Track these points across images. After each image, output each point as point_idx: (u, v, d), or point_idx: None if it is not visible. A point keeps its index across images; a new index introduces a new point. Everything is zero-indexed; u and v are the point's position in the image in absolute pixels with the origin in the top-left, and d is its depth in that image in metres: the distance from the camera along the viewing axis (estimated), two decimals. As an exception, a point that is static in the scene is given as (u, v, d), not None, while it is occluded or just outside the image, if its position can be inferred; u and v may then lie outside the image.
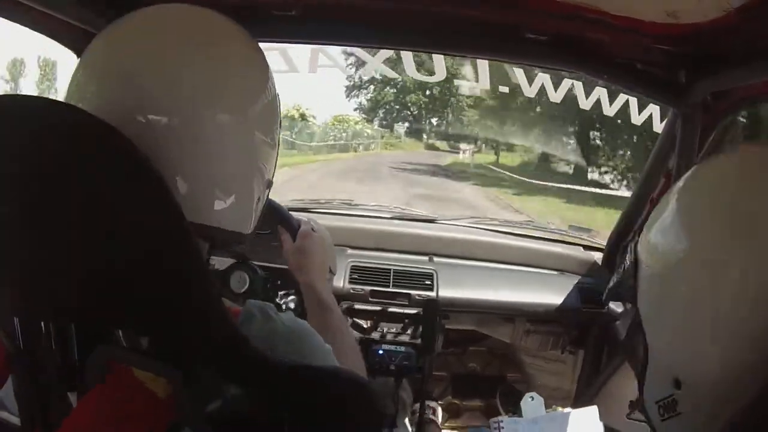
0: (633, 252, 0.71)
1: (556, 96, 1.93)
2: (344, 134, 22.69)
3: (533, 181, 15.60)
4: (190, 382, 0.59)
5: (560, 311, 1.75)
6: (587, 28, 1.23)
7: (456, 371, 2.09)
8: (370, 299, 1.70)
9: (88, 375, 0.62)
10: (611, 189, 14.83)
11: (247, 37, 0.73)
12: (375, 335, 1.70)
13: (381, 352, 1.64)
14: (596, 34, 1.26)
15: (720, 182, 0.66)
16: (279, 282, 1.48)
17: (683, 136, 1.39)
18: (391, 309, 1.71)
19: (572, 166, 19.18)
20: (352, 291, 1.70)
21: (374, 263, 1.77)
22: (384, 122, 25.81)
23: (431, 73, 1.83)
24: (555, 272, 1.89)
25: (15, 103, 0.61)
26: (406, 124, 26.08)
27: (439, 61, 1.71)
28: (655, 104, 1.76)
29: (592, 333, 1.81)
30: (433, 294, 1.71)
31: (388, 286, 1.72)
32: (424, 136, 26.23)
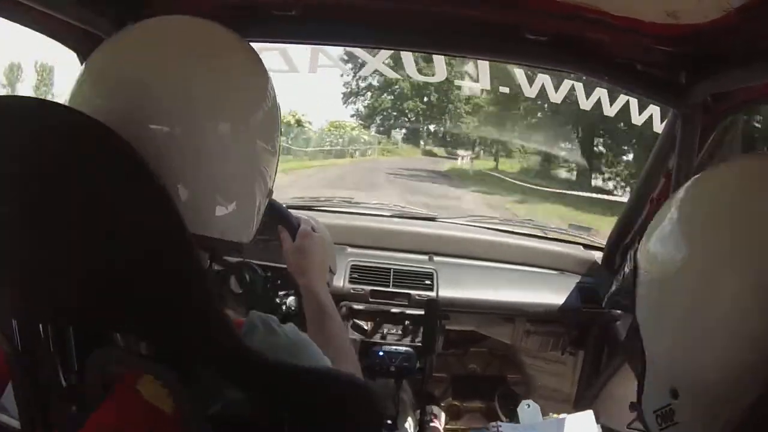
0: (632, 260, 0.72)
1: (556, 96, 1.93)
2: (340, 140, 22.40)
3: (536, 187, 15.10)
4: (191, 383, 0.59)
5: (560, 311, 1.75)
6: (587, 29, 1.23)
7: (456, 372, 2.09)
8: (370, 299, 1.70)
9: (88, 377, 0.62)
10: (616, 195, 14.66)
11: (249, 48, 0.74)
12: (375, 337, 1.69)
13: (381, 353, 1.64)
14: (596, 35, 1.26)
15: (719, 193, 0.67)
16: (279, 282, 1.47)
17: (683, 137, 1.39)
18: (392, 309, 1.70)
19: (575, 171, 18.89)
20: (352, 291, 1.70)
21: (374, 263, 1.76)
22: (381, 128, 25.61)
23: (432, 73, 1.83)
24: (555, 272, 1.89)
25: (15, 103, 0.61)
26: (403, 131, 25.91)
27: (439, 62, 1.71)
28: (655, 105, 1.76)
29: (592, 333, 1.80)
30: (433, 294, 1.71)
31: (388, 286, 1.72)
32: (422, 143, 25.99)
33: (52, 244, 0.57)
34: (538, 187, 14.72)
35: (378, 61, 1.79)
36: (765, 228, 0.59)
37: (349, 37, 1.44)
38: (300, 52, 1.74)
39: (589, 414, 1.26)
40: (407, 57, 1.82)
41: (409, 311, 1.70)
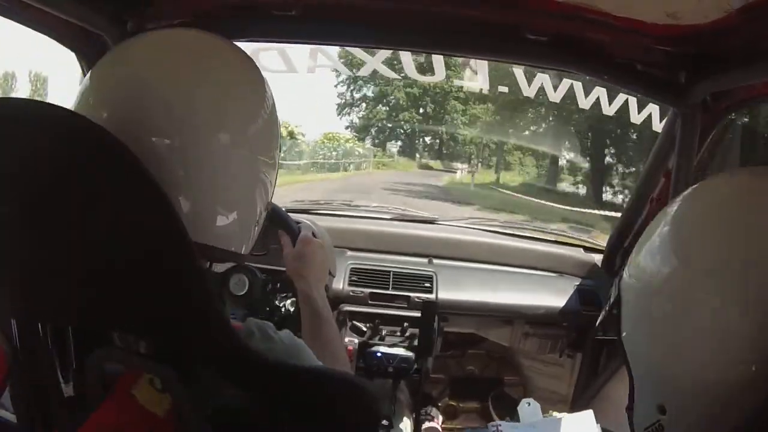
0: (617, 287, 0.73)
1: (555, 96, 1.92)
2: (334, 153, 21.78)
3: (545, 202, 14.09)
4: (190, 383, 0.59)
5: (560, 313, 1.75)
6: (587, 29, 1.23)
7: (454, 374, 2.09)
8: (369, 302, 1.70)
9: (88, 377, 0.62)
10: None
11: (250, 63, 0.75)
12: (374, 339, 1.69)
13: (379, 354, 1.64)
14: (596, 35, 1.26)
15: (706, 210, 0.67)
16: (278, 285, 1.47)
17: (683, 136, 1.39)
18: (390, 311, 1.70)
19: (581, 185, 18.14)
20: (351, 293, 1.70)
21: (374, 265, 1.76)
22: (376, 141, 25.13)
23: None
24: (555, 274, 1.89)
25: (15, 105, 0.61)
26: (399, 143, 25.48)
27: (439, 61, 1.70)
28: (655, 104, 1.76)
29: (590, 336, 1.80)
30: (432, 296, 1.71)
31: (388, 289, 1.72)
32: (418, 156, 25.53)
33: (52, 244, 0.57)
34: (553, 204, 13.77)
35: (377, 60, 1.79)
36: (747, 247, 0.59)
37: (349, 37, 1.44)
38: (299, 52, 1.74)
39: (589, 413, 1.26)
40: (406, 57, 1.82)
41: (407, 313, 1.69)
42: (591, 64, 1.37)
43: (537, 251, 1.93)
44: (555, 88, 1.93)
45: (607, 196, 16.67)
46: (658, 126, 1.74)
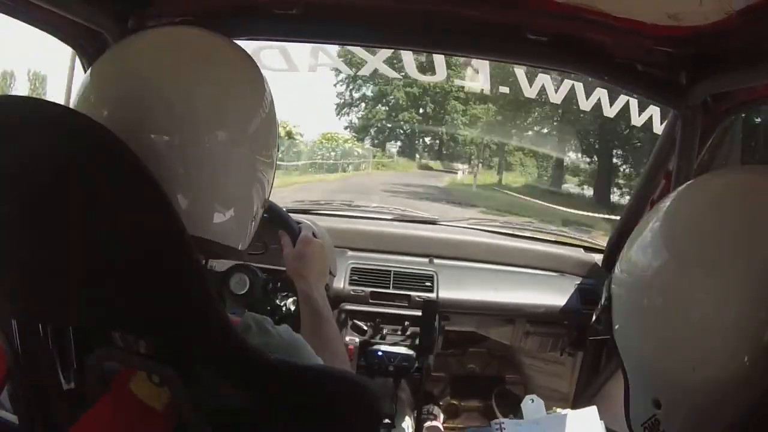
0: (608, 289, 0.74)
1: (556, 97, 1.92)
2: (333, 153, 21.13)
3: (555, 206, 13.14)
4: (190, 383, 0.59)
5: (561, 312, 1.75)
6: (588, 29, 1.23)
7: (455, 372, 2.09)
8: (370, 301, 1.70)
9: (88, 377, 0.63)
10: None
11: (250, 61, 0.75)
12: (375, 337, 1.69)
13: (380, 353, 1.64)
14: (597, 35, 1.26)
15: (695, 207, 0.67)
16: (278, 284, 1.47)
17: (683, 138, 1.39)
18: (391, 310, 1.70)
19: (586, 186, 17.47)
20: (352, 292, 1.70)
21: (374, 265, 1.76)
22: (376, 141, 24.53)
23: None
24: (555, 274, 1.89)
25: (13, 103, 0.61)
26: (399, 143, 24.89)
27: (438, 62, 1.70)
28: (656, 105, 1.76)
29: (589, 335, 1.80)
30: (433, 295, 1.71)
31: (389, 288, 1.72)
32: (417, 156, 24.90)
33: (52, 244, 0.57)
34: (557, 207, 13.08)
35: (378, 60, 1.79)
36: (738, 241, 0.60)
37: (350, 36, 1.44)
38: (300, 50, 1.74)
39: (593, 410, 1.26)
40: (407, 56, 1.82)
41: (408, 312, 1.69)
42: (591, 64, 1.37)
43: (537, 251, 1.93)
44: (556, 89, 1.93)
45: (614, 197, 16.03)
46: (658, 128, 1.75)
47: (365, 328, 1.70)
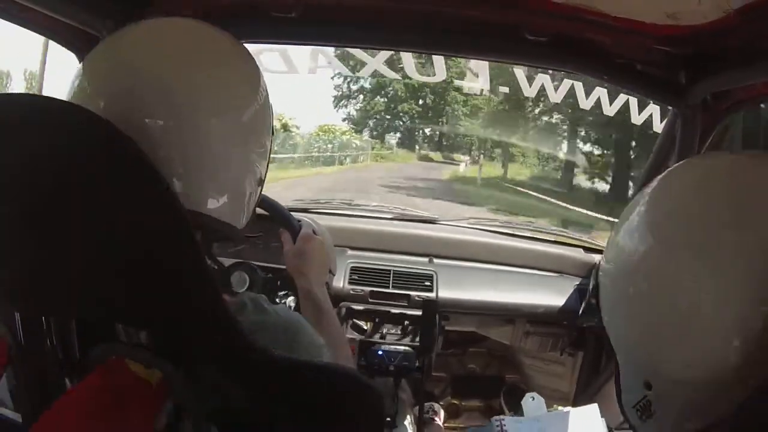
0: (595, 277, 0.73)
1: (556, 96, 1.93)
2: (330, 145, 20.78)
3: (574, 208, 12.06)
4: (192, 381, 0.59)
5: (560, 312, 1.75)
6: (587, 29, 1.23)
7: (456, 372, 2.09)
8: (369, 300, 1.70)
9: (90, 370, 0.63)
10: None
11: (240, 47, 0.76)
12: (375, 337, 1.70)
13: (380, 352, 1.64)
14: (596, 35, 1.26)
15: (679, 191, 0.67)
16: (279, 282, 1.48)
17: (683, 137, 1.39)
18: (391, 310, 1.70)
19: (599, 180, 16.31)
20: (351, 292, 1.70)
21: (374, 264, 1.77)
22: (374, 132, 24.29)
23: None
24: (555, 274, 1.89)
25: (13, 101, 0.62)
26: (398, 135, 24.63)
27: (438, 62, 1.71)
28: (655, 104, 1.76)
29: (591, 334, 1.80)
30: (432, 295, 1.71)
31: (388, 287, 1.72)
32: (417, 147, 24.60)
33: (56, 238, 0.57)
34: (574, 207, 12.11)
35: (377, 61, 1.79)
36: (723, 224, 0.60)
37: (349, 38, 1.44)
38: (299, 52, 1.74)
39: (594, 407, 1.26)
40: (407, 57, 1.82)
41: (408, 312, 1.70)
42: (591, 64, 1.37)
43: (537, 251, 1.94)
44: (556, 88, 1.93)
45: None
46: (658, 127, 1.75)
47: (365, 327, 1.70)
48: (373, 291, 1.71)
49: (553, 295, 1.77)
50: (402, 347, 1.66)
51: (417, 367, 1.63)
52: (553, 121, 18.95)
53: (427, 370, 1.62)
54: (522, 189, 16.06)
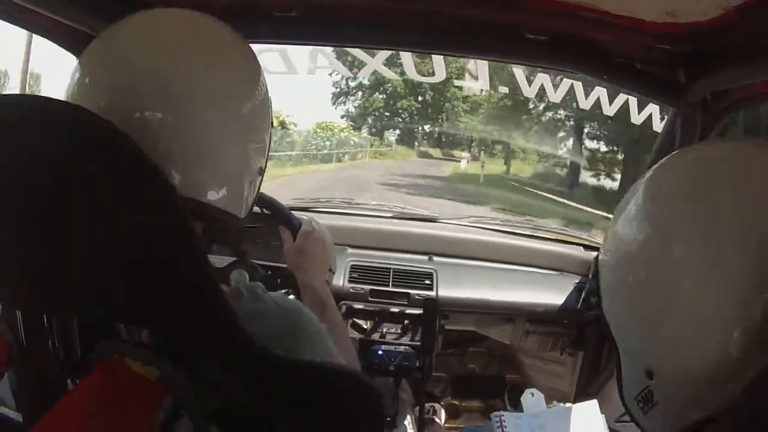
0: (594, 266, 0.73)
1: (555, 96, 1.93)
2: (328, 143, 20.32)
3: (577, 205, 11.72)
4: (192, 379, 0.59)
5: (560, 311, 1.75)
6: (587, 28, 1.23)
7: (456, 372, 2.09)
8: (369, 298, 1.70)
9: (91, 368, 0.63)
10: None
11: (239, 39, 0.76)
12: (374, 336, 1.70)
13: (380, 352, 1.64)
14: (596, 34, 1.26)
15: (676, 179, 0.67)
16: (279, 281, 1.48)
17: (683, 135, 1.39)
18: (391, 309, 1.70)
19: (606, 177, 16.16)
20: (351, 290, 1.70)
21: (374, 262, 1.77)
22: (373, 129, 23.86)
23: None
24: (555, 272, 1.89)
25: (13, 101, 0.62)
26: (397, 131, 24.18)
27: (438, 62, 1.71)
28: (655, 103, 1.76)
29: (591, 334, 1.80)
30: (432, 293, 1.71)
31: (388, 286, 1.72)
32: (417, 144, 24.17)
33: (56, 238, 0.57)
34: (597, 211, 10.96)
35: (377, 61, 1.79)
36: (719, 212, 0.59)
37: (349, 37, 1.44)
38: (299, 53, 1.74)
39: (593, 403, 1.26)
40: (406, 57, 1.82)
41: (408, 311, 1.70)
42: (590, 63, 1.37)
43: (537, 249, 1.94)
44: (555, 88, 1.93)
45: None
46: (658, 126, 1.75)
47: (365, 326, 1.70)
48: (373, 289, 1.71)
49: (553, 294, 1.77)
50: (402, 347, 1.66)
51: (417, 367, 1.63)
52: (556, 117, 18.82)
53: (427, 370, 1.62)
54: (526, 187, 15.87)
